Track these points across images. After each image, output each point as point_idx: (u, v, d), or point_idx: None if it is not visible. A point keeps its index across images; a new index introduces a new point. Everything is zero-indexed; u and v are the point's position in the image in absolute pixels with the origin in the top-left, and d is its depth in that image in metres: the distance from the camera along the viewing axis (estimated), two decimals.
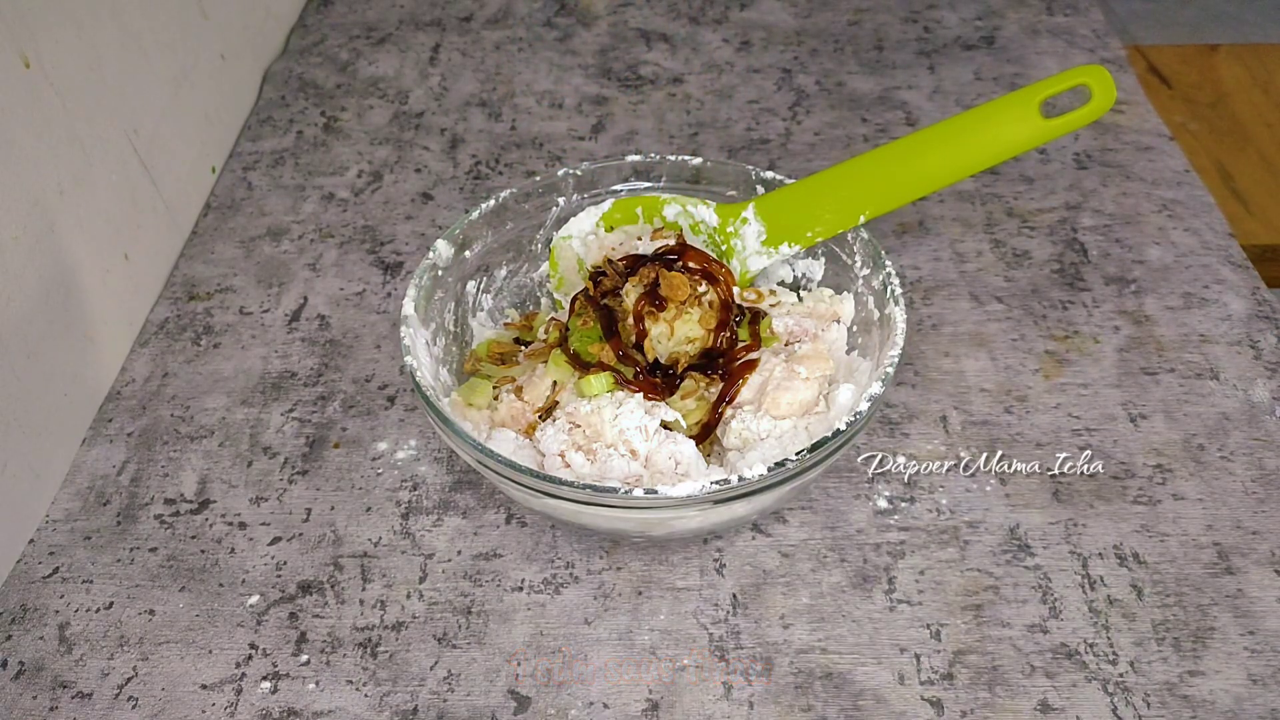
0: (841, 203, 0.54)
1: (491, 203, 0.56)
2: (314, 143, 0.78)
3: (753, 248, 0.57)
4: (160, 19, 0.68)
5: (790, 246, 0.56)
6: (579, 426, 0.49)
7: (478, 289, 0.58)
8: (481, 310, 0.58)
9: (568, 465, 0.48)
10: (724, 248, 0.57)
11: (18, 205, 0.53)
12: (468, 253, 0.56)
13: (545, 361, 0.52)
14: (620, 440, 0.48)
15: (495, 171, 0.75)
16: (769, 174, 0.57)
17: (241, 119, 0.80)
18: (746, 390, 0.51)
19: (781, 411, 0.50)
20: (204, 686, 0.47)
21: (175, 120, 0.69)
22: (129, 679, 0.48)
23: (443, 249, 0.54)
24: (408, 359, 0.49)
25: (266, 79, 0.84)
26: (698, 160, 0.58)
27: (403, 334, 0.50)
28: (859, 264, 0.54)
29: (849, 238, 0.55)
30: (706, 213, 0.57)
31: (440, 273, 0.54)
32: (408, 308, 0.51)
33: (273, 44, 0.87)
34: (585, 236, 0.58)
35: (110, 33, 0.62)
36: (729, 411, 0.51)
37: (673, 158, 0.58)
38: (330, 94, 0.83)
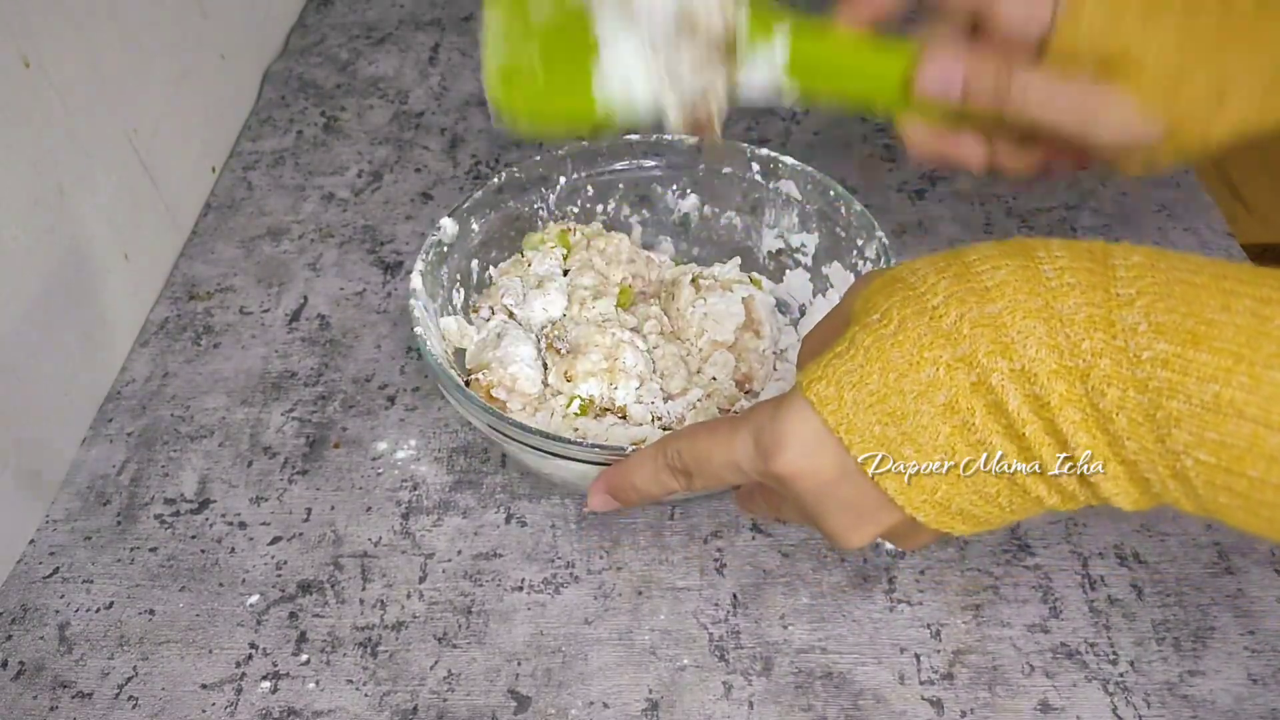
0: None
1: (494, 181, 0.58)
2: (314, 143, 0.78)
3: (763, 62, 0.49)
4: (160, 19, 0.68)
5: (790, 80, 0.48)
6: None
7: (481, 268, 0.59)
8: (485, 286, 0.60)
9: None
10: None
11: (18, 205, 0.53)
12: (474, 227, 0.57)
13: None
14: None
15: (495, 171, 0.75)
16: (764, 150, 0.58)
17: (241, 119, 0.80)
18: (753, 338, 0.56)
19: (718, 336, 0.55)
20: (204, 686, 0.47)
21: (175, 120, 0.69)
22: (129, 679, 0.48)
23: (448, 226, 0.55)
24: (417, 329, 0.50)
25: (266, 79, 0.84)
26: (694, 139, 0.59)
27: (411, 305, 0.51)
28: (853, 234, 0.55)
29: (843, 210, 0.55)
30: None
31: (445, 249, 0.55)
32: (415, 281, 0.52)
33: (273, 44, 0.87)
34: None
35: (110, 33, 0.62)
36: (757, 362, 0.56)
37: (669, 137, 0.59)
38: (330, 94, 0.83)
